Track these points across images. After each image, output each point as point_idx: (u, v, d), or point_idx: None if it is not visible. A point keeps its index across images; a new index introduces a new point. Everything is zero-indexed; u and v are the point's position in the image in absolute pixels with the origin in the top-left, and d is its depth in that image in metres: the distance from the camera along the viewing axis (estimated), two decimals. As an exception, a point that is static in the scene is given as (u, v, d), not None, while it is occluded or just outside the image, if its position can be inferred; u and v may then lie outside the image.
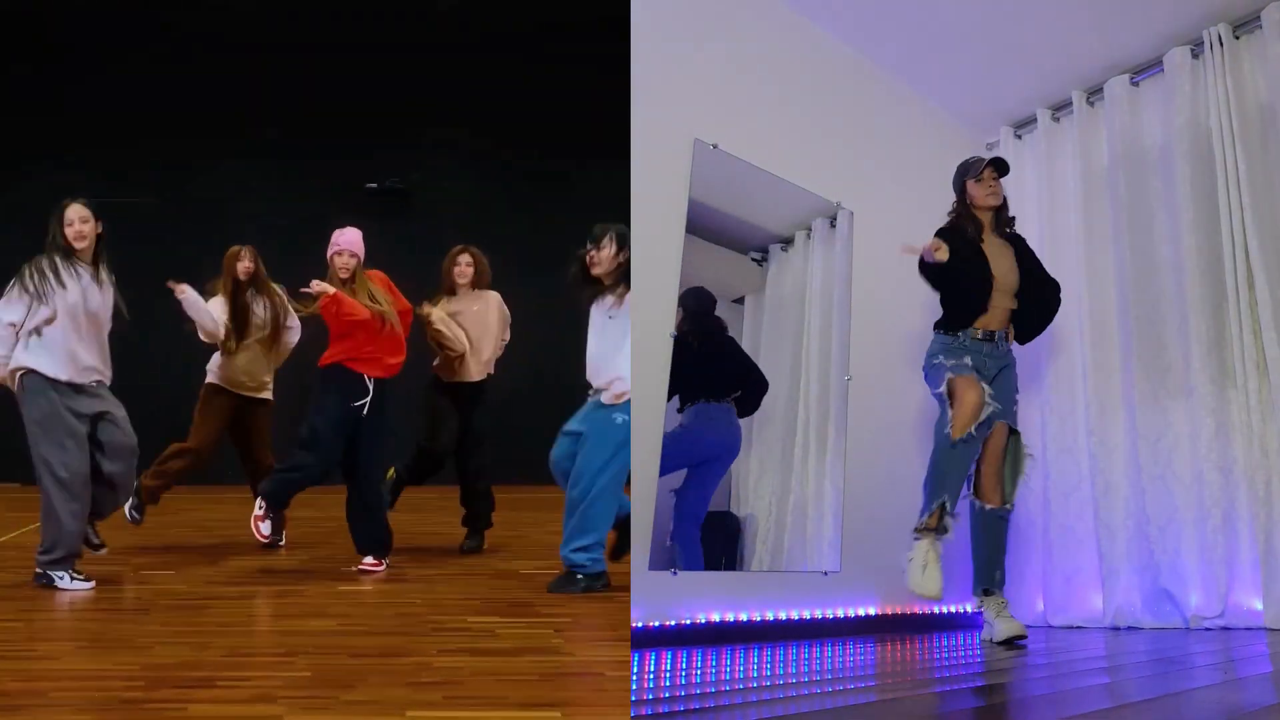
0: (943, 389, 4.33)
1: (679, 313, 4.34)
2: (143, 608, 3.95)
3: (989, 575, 4.44)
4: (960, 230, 4.49)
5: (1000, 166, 4.55)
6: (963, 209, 4.55)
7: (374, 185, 8.90)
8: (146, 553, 5.09)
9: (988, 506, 4.42)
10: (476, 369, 5.12)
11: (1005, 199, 4.60)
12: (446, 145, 9.09)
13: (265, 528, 4.54)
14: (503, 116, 8.83)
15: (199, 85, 8.62)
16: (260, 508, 4.53)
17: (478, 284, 5.19)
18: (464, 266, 5.18)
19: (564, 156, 8.65)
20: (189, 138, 8.65)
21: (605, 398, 4.11)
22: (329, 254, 4.61)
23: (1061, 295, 4.70)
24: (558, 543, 4.18)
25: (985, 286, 4.42)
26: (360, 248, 4.64)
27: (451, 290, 5.17)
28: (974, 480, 4.44)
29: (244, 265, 5.14)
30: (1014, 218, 4.68)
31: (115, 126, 8.57)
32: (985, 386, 4.30)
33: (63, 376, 4.13)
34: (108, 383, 4.29)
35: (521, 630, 3.53)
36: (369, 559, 4.59)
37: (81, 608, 3.92)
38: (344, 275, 4.57)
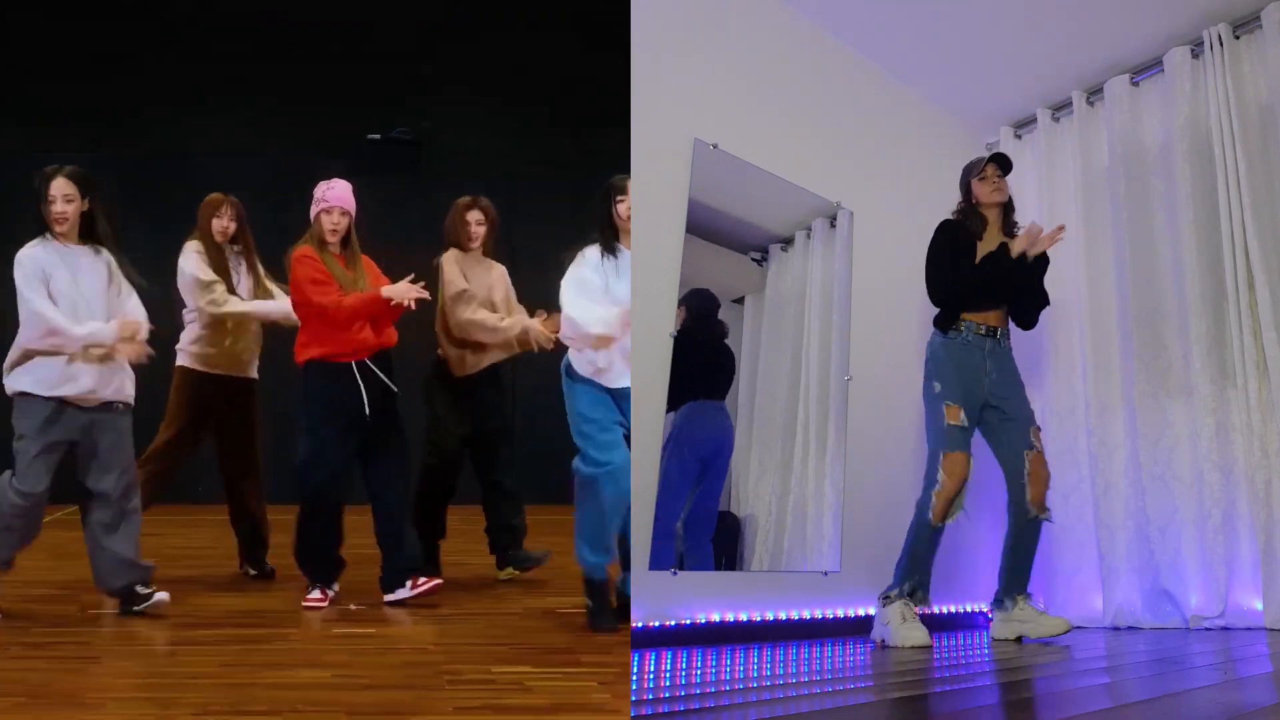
0: (935, 414, 4.32)
1: (681, 312, 4.34)
2: (93, 655, 3.30)
3: (1024, 580, 4.46)
4: (962, 226, 4.50)
5: (1002, 163, 4.54)
6: (967, 207, 4.56)
7: (376, 136, 7.66)
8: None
9: (1033, 514, 4.37)
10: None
11: (1010, 197, 4.60)
12: (462, 91, 7.84)
13: (316, 593, 3.96)
14: (512, 83, 7.80)
15: (171, 20, 7.43)
16: (314, 589, 3.96)
17: (487, 247, 4.46)
18: (475, 225, 4.39)
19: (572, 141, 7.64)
20: (158, 82, 7.44)
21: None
22: (314, 212, 3.95)
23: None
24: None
25: (985, 278, 4.41)
26: (352, 204, 3.98)
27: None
28: (1020, 489, 4.38)
29: (221, 224, 4.42)
30: (1016, 223, 4.67)
31: (61, 68, 7.33)
32: (970, 460, 4.26)
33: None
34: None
35: (559, 683, 3.00)
36: (400, 590, 3.94)
37: (19, 654, 3.26)
38: (332, 238, 3.94)
